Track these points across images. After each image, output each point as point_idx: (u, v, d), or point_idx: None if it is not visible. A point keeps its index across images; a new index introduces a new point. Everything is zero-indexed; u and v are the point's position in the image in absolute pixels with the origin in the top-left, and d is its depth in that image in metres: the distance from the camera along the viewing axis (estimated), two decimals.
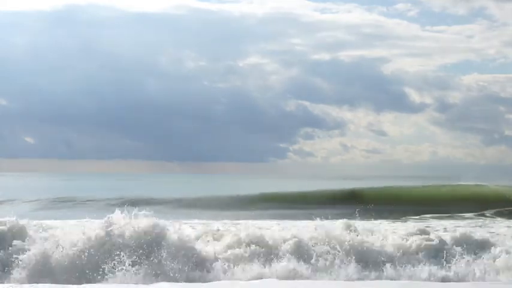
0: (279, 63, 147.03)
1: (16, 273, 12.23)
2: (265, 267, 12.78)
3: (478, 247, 14.17)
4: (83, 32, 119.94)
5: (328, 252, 13.28)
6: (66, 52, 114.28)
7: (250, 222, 19.69)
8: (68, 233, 13.11)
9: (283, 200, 32.32)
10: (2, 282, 11.90)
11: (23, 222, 13.72)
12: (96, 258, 12.39)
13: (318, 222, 14.27)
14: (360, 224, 15.07)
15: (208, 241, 14.05)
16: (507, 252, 13.85)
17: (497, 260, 13.62)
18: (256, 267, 12.75)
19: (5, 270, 12.42)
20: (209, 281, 12.21)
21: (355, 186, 36.01)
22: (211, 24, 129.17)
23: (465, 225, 21.43)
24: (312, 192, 34.87)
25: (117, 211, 13.12)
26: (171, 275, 12.27)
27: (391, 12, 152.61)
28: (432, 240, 14.24)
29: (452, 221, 23.85)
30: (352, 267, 12.87)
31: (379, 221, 21.52)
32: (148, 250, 12.59)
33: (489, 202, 29.71)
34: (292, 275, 12.52)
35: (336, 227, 14.20)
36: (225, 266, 12.78)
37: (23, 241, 13.06)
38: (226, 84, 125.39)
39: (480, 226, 21.72)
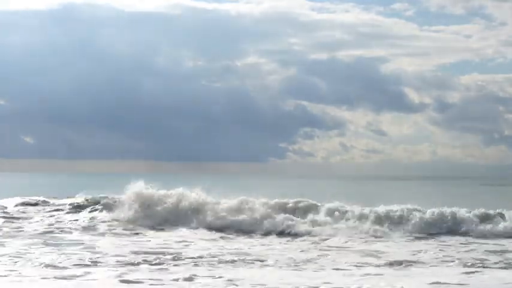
0: (277, 63, 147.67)
1: None
2: None
3: None
4: (80, 31, 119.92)
5: None
6: (64, 51, 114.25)
7: None
8: None
9: None
10: None
11: None
12: None
13: None
14: None
15: None
16: None
17: None
18: None
19: None
20: None
21: None
22: (208, 24, 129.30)
23: None
24: None
25: None
26: None
27: (388, 11, 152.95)
28: None
29: None
30: None
31: None
32: None
33: None
34: None
35: None
36: None
37: None
38: (224, 83, 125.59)
39: None
